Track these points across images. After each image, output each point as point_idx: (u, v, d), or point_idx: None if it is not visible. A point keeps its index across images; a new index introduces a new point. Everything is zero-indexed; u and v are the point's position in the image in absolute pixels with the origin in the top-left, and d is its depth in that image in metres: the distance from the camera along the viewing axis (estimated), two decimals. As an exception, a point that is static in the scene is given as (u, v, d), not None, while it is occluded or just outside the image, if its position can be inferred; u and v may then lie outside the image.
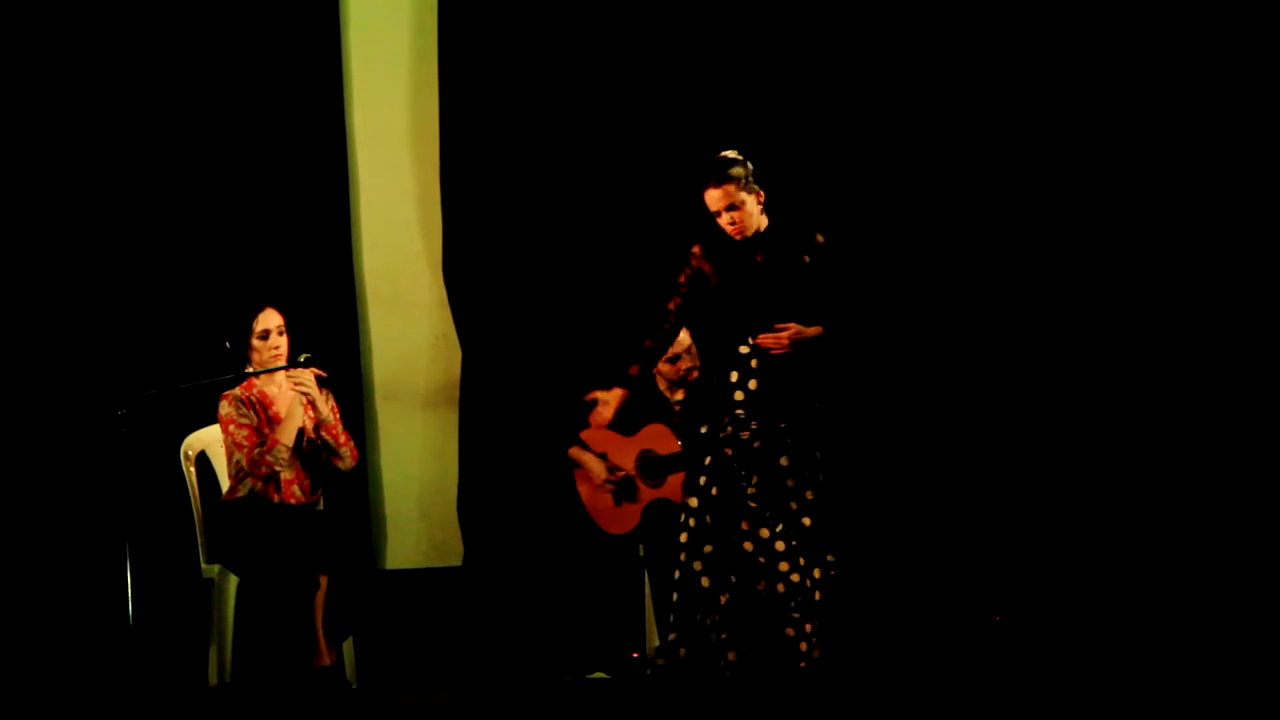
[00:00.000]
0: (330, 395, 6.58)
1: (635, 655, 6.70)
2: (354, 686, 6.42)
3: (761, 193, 6.25)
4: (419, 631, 7.34)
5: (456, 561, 7.71)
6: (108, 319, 7.51)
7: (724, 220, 6.22)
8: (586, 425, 6.82)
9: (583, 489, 6.84)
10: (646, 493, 6.71)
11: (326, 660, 6.29)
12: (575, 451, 6.84)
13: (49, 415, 7.44)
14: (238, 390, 6.50)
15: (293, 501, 6.49)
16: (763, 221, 6.28)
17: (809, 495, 6.19)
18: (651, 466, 6.71)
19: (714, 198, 6.20)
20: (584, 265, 7.61)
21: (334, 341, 7.43)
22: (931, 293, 7.50)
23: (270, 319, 6.50)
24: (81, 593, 7.32)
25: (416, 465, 7.79)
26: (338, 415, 6.58)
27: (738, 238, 6.24)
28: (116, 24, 7.47)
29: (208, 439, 6.67)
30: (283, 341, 6.51)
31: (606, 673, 6.48)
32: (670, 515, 6.57)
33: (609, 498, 6.78)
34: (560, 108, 7.62)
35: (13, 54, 7.43)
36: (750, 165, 6.23)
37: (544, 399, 7.47)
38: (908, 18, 7.49)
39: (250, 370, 6.53)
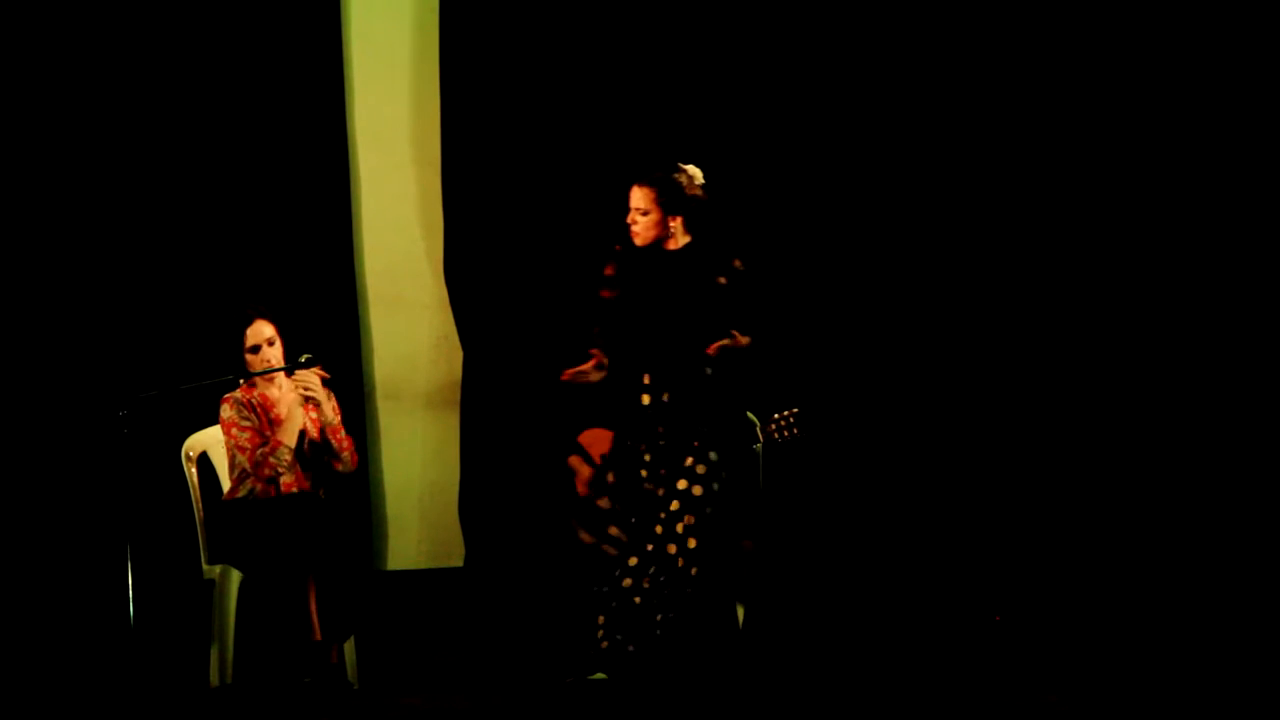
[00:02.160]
0: (333, 396, 6.58)
1: (631, 648, 6.70)
2: (355, 687, 6.42)
3: (680, 217, 6.29)
4: (420, 633, 7.34)
5: (457, 563, 7.71)
6: (108, 319, 7.51)
7: (630, 218, 6.33)
8: (586, 427, 6.83)
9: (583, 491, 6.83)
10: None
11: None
12: (575, 461, 6.83)
13: (50, 416, 7.44)
14: (238, 393, 6.49)
15: (292, 500, 6.50)
16: (682, 240, 6.32)
17: (697, 491, 6.27)
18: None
19: (631, 195, 6.34)
20: (585, 266, 7.59)
21: (335, 342, 7.43)
22: (940, 285, 7.53)
23: (259, 332, 6.46)
24: (82, 593, 7.32)
25: (418, 466, 7.79)
26: (340, 417, 6.58)
27: (635, 241, 6.35)
28: (117, 24, 7.47)
29: (209, 440, 6.67)
30: (274, 352, 6.47)
31: (607, 674, 6.47)
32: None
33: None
34: (562, 108, 7.62)
35: (13, 54, 7.43)
36: (690, 192, 6.29)
37: (545, 400, 7.46)
38: (905, 23, 7.52)
39: (253, 372, 6.52)
